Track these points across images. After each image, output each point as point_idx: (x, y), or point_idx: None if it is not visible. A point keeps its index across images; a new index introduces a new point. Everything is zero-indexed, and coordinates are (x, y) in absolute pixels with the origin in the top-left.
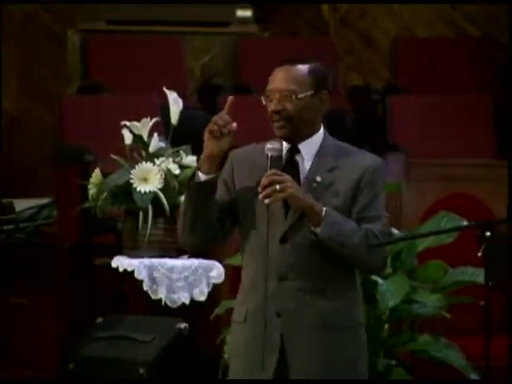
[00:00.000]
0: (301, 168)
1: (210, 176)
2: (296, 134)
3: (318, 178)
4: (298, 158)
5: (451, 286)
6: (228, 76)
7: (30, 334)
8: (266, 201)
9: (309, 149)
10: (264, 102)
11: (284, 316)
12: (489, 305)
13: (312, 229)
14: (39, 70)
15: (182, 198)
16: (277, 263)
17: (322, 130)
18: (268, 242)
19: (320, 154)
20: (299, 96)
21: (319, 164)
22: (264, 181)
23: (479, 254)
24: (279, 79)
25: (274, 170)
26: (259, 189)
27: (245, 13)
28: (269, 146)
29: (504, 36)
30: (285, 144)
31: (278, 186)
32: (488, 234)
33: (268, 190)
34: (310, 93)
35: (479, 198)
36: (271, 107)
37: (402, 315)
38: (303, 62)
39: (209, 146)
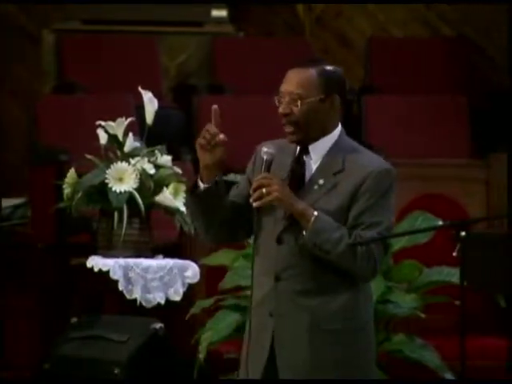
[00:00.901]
0: (307, 169)
1: (210, 184)
2: (307, 139)
3: (321, 181)
4: (306, 158)
5: (426, 286)
6: (203, 76)
7: (4, 334)
8: (254, 204)
9: (318, 150)
10: (277, 103)
11: (276, 316)
12: (464, 305)
13: (303, 233)
14: (14, 69)
15: (157, 197)
16: (273, 263)
17: (336, 132)
18: (267, 242)
19: (329, 155)
20: (306, 100)
21: (326, 166)
22: (254, 184)
23: (454, 254)
24: (289, 81)
25: (264, 174)
26: (250, 191)
27: (220, 13)
28: (264, 149)
29: (478, 36)
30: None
31: (264, 190)
32: (463, 233)
33: (256, 194)
34: (318, 98)
35: (454, 197)
36: (280, 110)
37: (377, 315)
38: (316, 64)
39: (202, 158)
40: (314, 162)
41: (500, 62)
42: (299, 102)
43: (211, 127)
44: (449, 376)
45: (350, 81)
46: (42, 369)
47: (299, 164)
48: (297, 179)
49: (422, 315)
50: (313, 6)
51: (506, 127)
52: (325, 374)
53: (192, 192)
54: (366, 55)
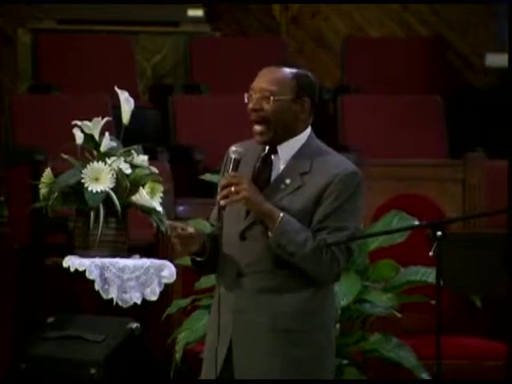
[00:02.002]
0: (275, 169)
1: (203, 256)
2: (275, 139)
3: (288, 181)
4: (274, 158)
5: (402, 286)
6: (179, 76)
7: None
8: (222, 202)
9: (287, 150)
10: (246, 100)
11: (236, 314)
12: (440, 304)
13: (268, 233)
14: None
15: (134, 197)
16: (236, 260)
17: (305, 135)
18: (231, 239)
19: (297, 156)
20: (278, 98)
21: (293, 166)
22: (222, 182)
23: (430, 254)
24: (262, 78)
25: (233, 173)
26: (218, 190)
27: (196, 12)
28: (233, 148)
29: (454, 36)
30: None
31: (233, 189)
32: (439, 233)
33: (224, 192)
34: (290, 97)
35: (430, 197)
36: (250, 105)
37: (353, 315)
38: (291, 66)
39: (178, 251)
40: (281, 162)
41: (476, 62)
42: (271, 99)
43: (179, 231)
44: (425, 376)
45: (326, 81)
46: (17, 369)
47: (266, 163)
48: (263, 178)
49: (399, 315)
50: (289, 5)
51: (483, 127)
52: (284, 374)
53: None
54: (342, 55)
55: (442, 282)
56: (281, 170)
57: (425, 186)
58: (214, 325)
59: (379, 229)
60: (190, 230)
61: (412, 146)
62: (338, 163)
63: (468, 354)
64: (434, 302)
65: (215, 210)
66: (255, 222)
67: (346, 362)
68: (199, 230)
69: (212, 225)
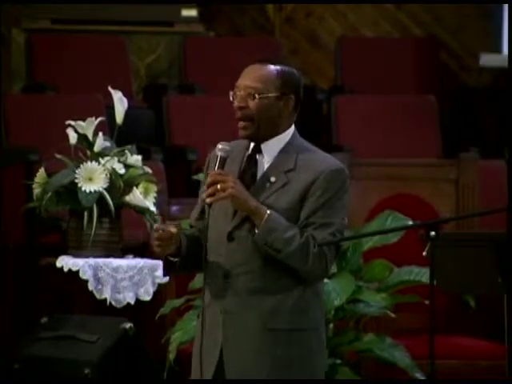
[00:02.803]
0: (260, 167)
1: (179, 257)
2: (258, 135)
3: (273, 179)
4: (259, 157)
5: (396, 286)
6: (173, 75)
7: None
8: (208, 200)
9: (271, 149)
10: (231, 98)
11: (225, 315)
12: (433, 304)
13: (255, 230)
14: None
15: (127, 197)
16: (223, 261)
17: (289, 132)
18: (218, 240)
19: (282, 154)
20: (262, 95)
21: (278, 164)
22: (208, 180)
23: (424, 254)
24: (247, 76)
25: (219, 170)
26: (204, 187)
27: (190, 12)
28: (219, 146)
29: (448, 36)
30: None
31: (219, 186)
32: (433, 233)
33: (210, 190)
34: (274, 94)
35: (424, 197)
36: (235, 103)
37: (347, 314)
38: (276, 63)
39: (155, 252)
40: (266, 161)
41: (470, 62)
42: (256, 96)
43: (160, 231)
44: (419, 376)
45: (321, 81)
46: (11, 369)
47: (251, 162)
48: (248, 177)
49: (392, 315)
50: (283, 5)
51: (477, 127)
52: (274, 374)
53: (171, 271)
54: (336, 55)
55: (435, 282)
56: (265, 169)
57: (419, 185)
58: (207, 328)
59: (373, 229)
60: (173, 229)
61: (406, 146)
62: (323, 160)
63: (462, 354)
64: (427, 302)
65: (196, 210)
66: (243, 221)
67: (339, 361)
68: (182, 229)
69: (191, 226)
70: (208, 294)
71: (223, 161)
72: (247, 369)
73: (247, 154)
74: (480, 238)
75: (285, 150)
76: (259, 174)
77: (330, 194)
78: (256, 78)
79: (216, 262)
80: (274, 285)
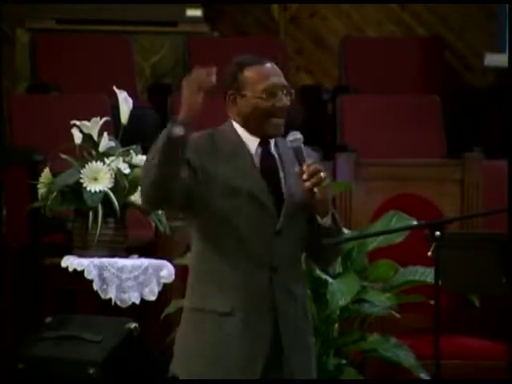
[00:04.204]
0: (278, 161)
1: (189, 131)
2: None
3: (296, 169)
4: (274, 151)
5: (401, 286)
6: (178, 75)
7: None
8: (315, 189)
9: (283, 143)
10: (258, 100)
11: (278, 308)
12: (438, 304)
13: (318, 219)
14: None
15: (132, 197)
16: (269, 256)
17: None
18: (256, 231)
19: (279, 146)
20: (292, 91)
21: (292, 157)
22: (311, 168)
23: (429, 254)
24: (278, 75)
25: (311, 160)
26: (304, 176)
27: (195, 12)
28: (290, 138)
29: (452, 36)
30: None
31: (322, 174)
32: (438, 233)
33: (315, 179)
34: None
35: (429, 197)
36: (280, 103)
37: (352, 314)
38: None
39: (194, 99)
40: (282, 154)
41: (474, 62)
42: (290, 94)
43: (203, 71)
44: (424, 376)
45: (325, 81)
46: (16, 369)
47: (269, 156)
48: (270, 167)
49: (397, 315)
50: (288, 5)
51: (481, 127)
52: (310, 359)
53: (169, 136)
54: (340, 55)
55: (440, 282)
56: (284, 162)
57: (423, 185)
58: (251, 323)
59: (378, 229)
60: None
61: (410, 146)
62: (309, 150)
63: (467, 354)
64: (432, 302)
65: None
66: (292, 216)
67: (344, 361)
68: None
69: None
70: (248, 291)
71: (302, 150)
72: (303, 362)
73: (259, 149)
74: (485, 238)
75: (278, 142)
76: (280, 167)
77: None
78: (282, 77)
79: (255, 254)
80: (300, 276)
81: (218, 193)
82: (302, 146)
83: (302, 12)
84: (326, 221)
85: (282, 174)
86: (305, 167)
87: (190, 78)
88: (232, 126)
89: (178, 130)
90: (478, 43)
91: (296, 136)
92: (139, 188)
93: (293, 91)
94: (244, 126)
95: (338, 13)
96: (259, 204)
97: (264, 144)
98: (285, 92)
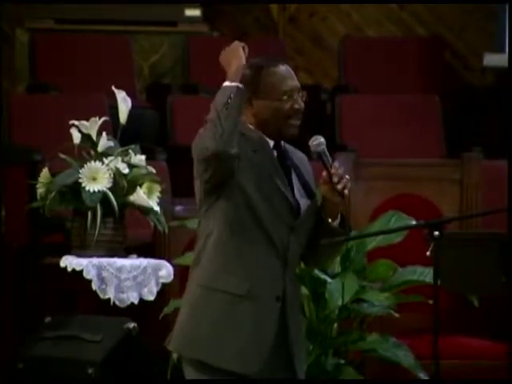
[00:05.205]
0: (290, 162)
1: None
2: None
3: (308, 168)
4: (284, 151)
5: (400, 286)
6: (177, 75)
7: None
8: (346, 192)
9: (288, 147)
10: (279, 103)
11: (285, 300)
12: (437, 304)
13: (329, 221)
14: None
15: (131, 197)
16: (283, 249)
17: None
18: (276, 225)
19: (312, 151)
20: (305, 93)
21: (300, 156)
22: (340, 171)
23: (428, 254)
24: (294, 77)
25: (337, 164)
26: (335, 179)
27: (194, 12)
28: (314, 143)
29: (451, 36)
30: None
31: (348, 177)
32: (436, 233)
33: (346, 182)
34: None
35: (428, 197)
36: (298, 105)
37: (351, 314)
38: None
39: (242, 57)
40: (291, 153)
41: (473, 62)
42: (304, 97)
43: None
44: (423, 375)
45: (324, 81)
46: (15, 368)
47: (284, 157)
48: (286, 170)
49: (396, 314)
50: (287, 5)
51: (480, 127)
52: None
53: (240, 92)
54: (340, 55)
55: (439, 282)
56: (296, 162)
57: (422, 185)
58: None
59: (377, 229)
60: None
61: (410, 146)
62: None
63: (466, 354)
64: (431, 302)
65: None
66: (310, 215)
67: (343, 361)
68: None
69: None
70: (262, 278)
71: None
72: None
73: (273, 151)
74: (484, 237)
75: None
76: (293, 168)
77: None
78: (296, 78)
79: (273, 247)
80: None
81: (250, 178)
82: (326, 149)
83: (302, 12)
84: (336, 223)
85: (293, 175)
86: (334, 170)
87: (240, 44)
88: (248, 126)
89: (240, 85)
90: (477, 43)
91: (320, 140)
92: (138, 188)
93: (305, 92)
94: (260, 127)
95: (338, 13)
96: (284, 200)
97: (278, 146)
98: (300, 94)
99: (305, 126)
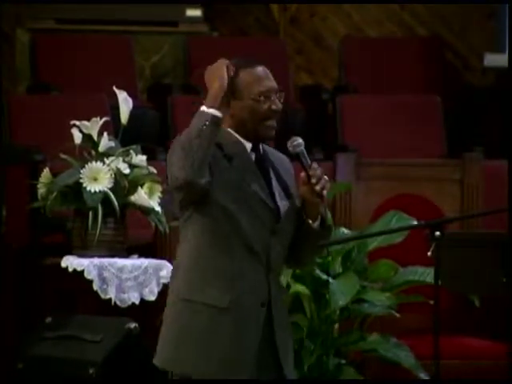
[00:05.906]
0: (269, 164)
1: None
2: None
3: (290, 169)
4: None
5: (401, 286)
6: (178, 76)
7: None
8: (324, 193)
9: (267, 148)
10: (255, 103)
11: (271, 304)
12: (438, 304)
13: (309, 222)
14: None
15: (132, 197)
16: (265, 254)
17: None
18: (255, 229)
19: (291, 152)
20: (283, 94)
21: (280, 157)
22: (318, 172)
23: (429, 254)
24: (271, 78)
25: (315, 164)
26: (313, 179)
27: (194, 12)
28: (294, 143)
29: (452, 36)
30: (245, 142)
31: (326, 178)
32: (437, 233)
33: (324, 182)
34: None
35: (429, 197)
36: (275, 106)
37: (352, 314)
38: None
39: (225, 78)
40: (270, 155)
41: (474, 62)
42: (281, 97)
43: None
44: (423, 375)
45: (325, 81)
46: (15, 368)
47: (262, 159)
48: (265, 173)
49: (397, 314)
50: (287, 5)
51: (481, 127)
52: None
53: (215, 121)
54: (340, 55)
55: (440, 282)
56: (274, 164)
57: (423, 185)
58: (237, 318)
59: (378, 229)
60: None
61: (410, 146)
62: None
63: (466, 354)
64: (432, 302)
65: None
66: (288, 215)
67: (344, 361)
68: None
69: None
70: (243, 286)
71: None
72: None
73: (251, 154)
74: (485, 238)
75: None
76: (271, 170)
77: None
78: (273, 80)
79: (254, 252)
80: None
81: (226, 190)
82: (304, 150)
83: (302, 12)
84: (317, 224)
85: (273, 178)
86: (312, 171)
87: (225, 62)
88: (224, 131)
89: (217, 112)
90: (478, 43)
91: (298, 141)
92: (139, 188)
93: (283, 93)
94: (237, 128)
95: (339, 13)
96: (262, 204)
97: (256, 148)
98: (277, 95)
99: (306, 126)
